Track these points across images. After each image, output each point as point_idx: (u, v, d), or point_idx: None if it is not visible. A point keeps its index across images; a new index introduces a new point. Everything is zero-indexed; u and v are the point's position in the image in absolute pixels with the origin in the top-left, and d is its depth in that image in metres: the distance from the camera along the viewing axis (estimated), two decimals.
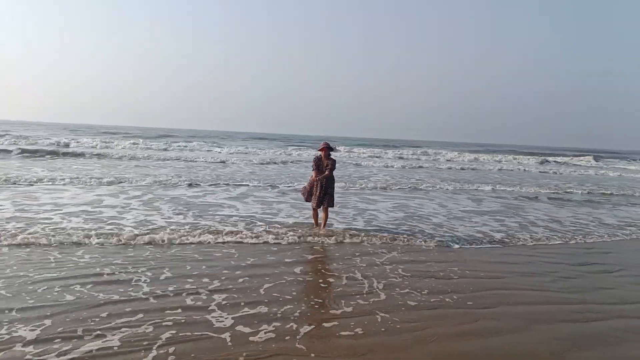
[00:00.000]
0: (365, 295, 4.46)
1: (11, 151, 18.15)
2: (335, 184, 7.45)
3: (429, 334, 3.61)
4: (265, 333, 3.53)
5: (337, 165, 7.43)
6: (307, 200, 7.32)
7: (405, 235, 7.17)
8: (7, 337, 3.29)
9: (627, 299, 4.79)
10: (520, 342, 3.57)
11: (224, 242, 6.21)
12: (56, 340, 3.26)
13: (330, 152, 7.30)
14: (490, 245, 6.98)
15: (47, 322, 3.56)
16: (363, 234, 7.03)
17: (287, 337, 3.44)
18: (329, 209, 7.31)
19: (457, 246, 6.75)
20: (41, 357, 3.03)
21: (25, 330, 3.40)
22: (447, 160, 29.98)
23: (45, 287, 4.28)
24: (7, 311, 3.73)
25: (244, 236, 6.48)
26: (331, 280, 4.93)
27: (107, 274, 4.72)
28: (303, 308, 4.06)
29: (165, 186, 11.16)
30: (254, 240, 6.35)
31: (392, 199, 11.30)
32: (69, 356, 3.05)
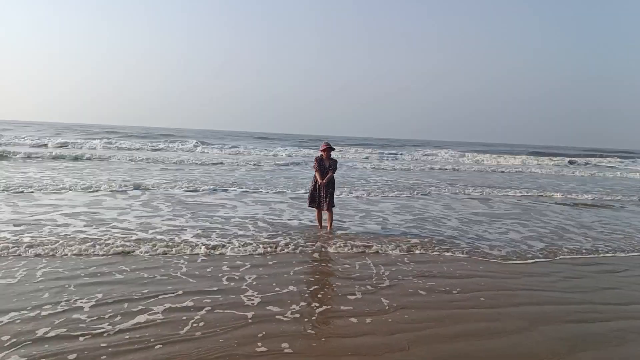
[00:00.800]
0: (371, 293, 4.49)
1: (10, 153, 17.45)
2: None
3: (432, 334, 3.61)
4: (291, 313, 3.89)
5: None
6: (311, 204, 7.12)
7: (434, 242, 6.73)
8: (66, 307, 3.78)
9: (633, 299, 4.77)
10: (524, 342, 3.55)
11: (242, 244, 6.01)
12: (108, 311, 3.73)
13: (331, 152, 7.12)
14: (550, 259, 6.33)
15: (99, 295, 4.07)
16: (386, 241, 6.65)
17: (293, 335, 3.48)
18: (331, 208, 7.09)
19: (531, 261, 6.12)
20: (96, 325, 3.48)
21: (81, 302, 3.91)
22: (447, 161, 29.24)
23: (95, 267, 4.87)
24: (66, 286, 4.28)
25: (258, 240, 6.30)
26: (345, 281, 4.89)
27: (148, 257, 5.30)
28: (312, 308, 4.07)
29: (163, 187, 10.84)
30: (269, 242, 6.15)
31: (393, 199, 11.04)
32: (120, 325, 3.49)
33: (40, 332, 3.32)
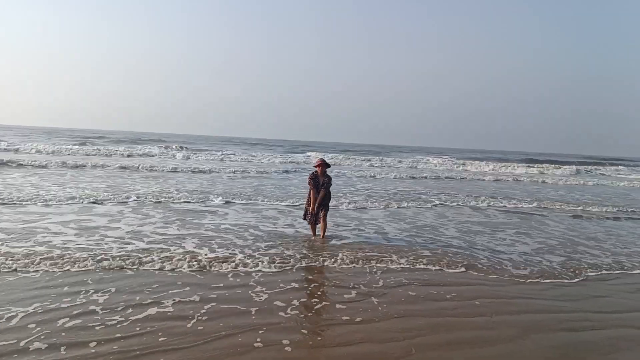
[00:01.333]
0: (368, 301, 4.50)
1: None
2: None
3: (424, 342, 3.61)
4: (289, 320, 4.01)
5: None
6: (305, 218, 7.10)
7: (449, 255, 6.46)
8: (84, 301, 4.09)
9: (623, 307, 4.79)
10: (516, 350, 3.56)
11: (243, 254, 5.94)
12: (121, 304, 4.03)
13: (326, 169, 6.95)
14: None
15: (113, 289, 4.39)
16: (389, 250, 6.55)
17: (290, 341, 3.52)
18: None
19: (576, 280, 5.82)
20: (110, 317, 3.75)
21: (97, 295, 4.22)
22: (439, 169, 28.39)
23: (108, 263, 5.20)
24: (84, 280, 4.61)
25: (257, 249, 6.24)
26: (342, 289, 4.86)
27: (159, 259, 5.55)
28: (309, 315, 4.11)
29: (153, 195, 10.42)
30: (268, 253, 6.06)
31: (383, 207, 10.84)
32: (133, 317, 3.76)
33: (60, 322, 3.61)
